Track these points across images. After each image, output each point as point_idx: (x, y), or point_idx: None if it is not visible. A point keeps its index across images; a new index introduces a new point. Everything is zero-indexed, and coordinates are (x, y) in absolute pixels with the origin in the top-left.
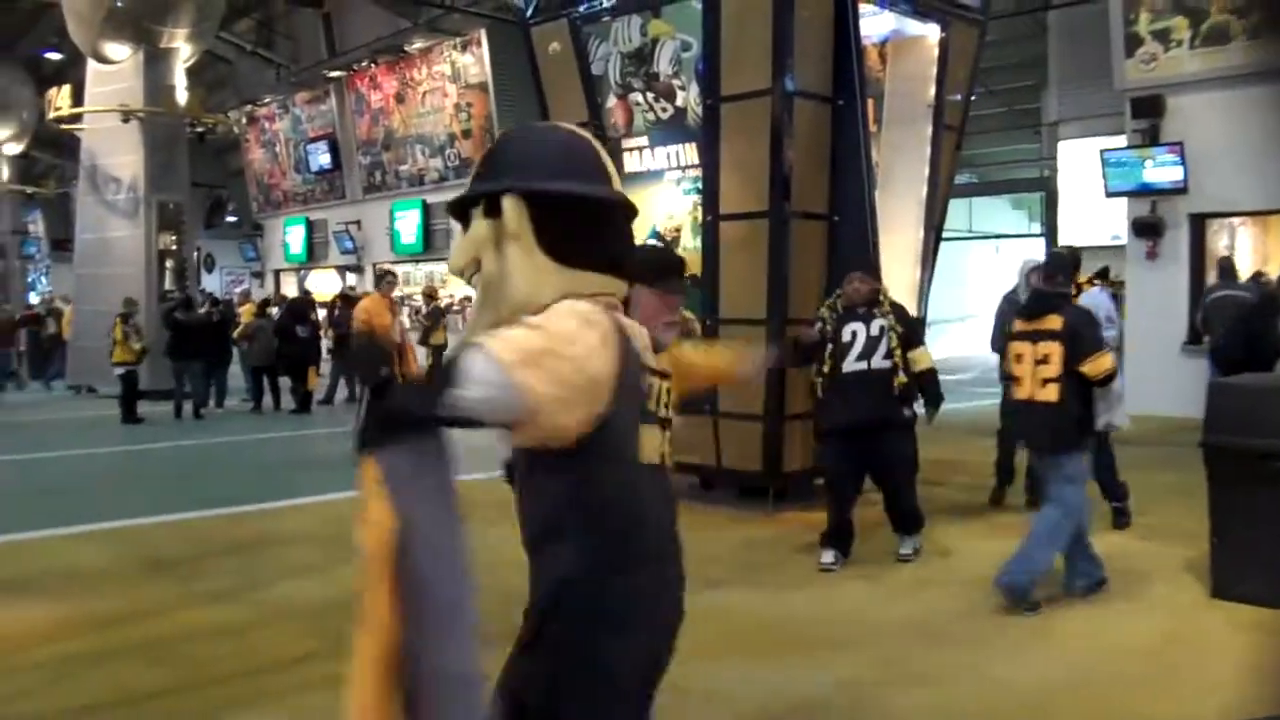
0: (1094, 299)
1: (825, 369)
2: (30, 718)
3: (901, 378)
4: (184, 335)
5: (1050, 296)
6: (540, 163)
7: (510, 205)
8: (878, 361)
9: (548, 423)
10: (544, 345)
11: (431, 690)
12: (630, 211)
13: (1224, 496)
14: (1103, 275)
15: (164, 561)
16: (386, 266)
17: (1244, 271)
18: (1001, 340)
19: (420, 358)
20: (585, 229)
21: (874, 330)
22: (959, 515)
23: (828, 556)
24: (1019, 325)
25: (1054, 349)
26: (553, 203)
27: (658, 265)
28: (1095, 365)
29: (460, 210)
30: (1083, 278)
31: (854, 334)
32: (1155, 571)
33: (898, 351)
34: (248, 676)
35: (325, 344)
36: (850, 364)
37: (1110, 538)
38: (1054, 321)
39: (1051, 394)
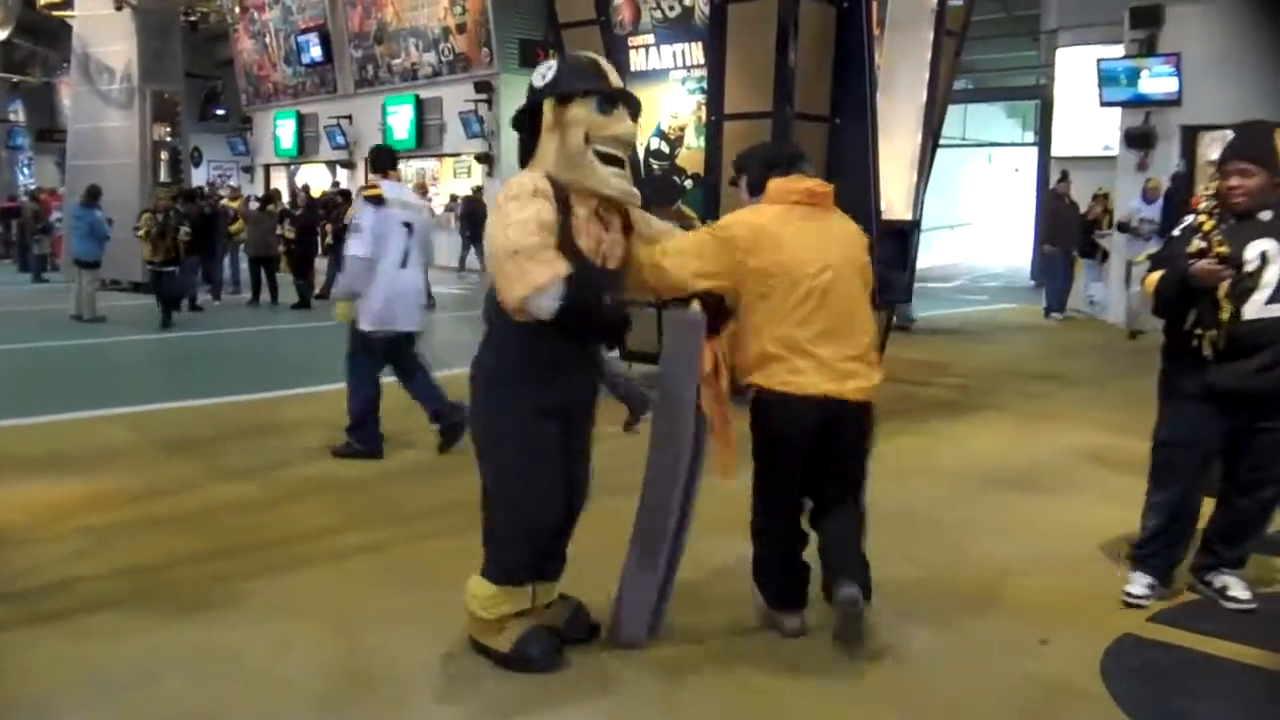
0: None
1: (1223, 314)
2: (88, 576)
3: None
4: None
5: None
6: None
7: None
8: None
9: None
10: None
11: None
12: None
13: None
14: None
15: (184, 442)
16: None
17: None
18: None
19: None
20: None
21: None
22: (947, 412)
23: (1140, 588)
24: None
25: None
26: None
27: None
28: None
29: None
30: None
31: (1263, 257)
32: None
33: None
34: (281, 544)
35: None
36: (1259, 308)
37: (1093, 437)
38: None
39: None
